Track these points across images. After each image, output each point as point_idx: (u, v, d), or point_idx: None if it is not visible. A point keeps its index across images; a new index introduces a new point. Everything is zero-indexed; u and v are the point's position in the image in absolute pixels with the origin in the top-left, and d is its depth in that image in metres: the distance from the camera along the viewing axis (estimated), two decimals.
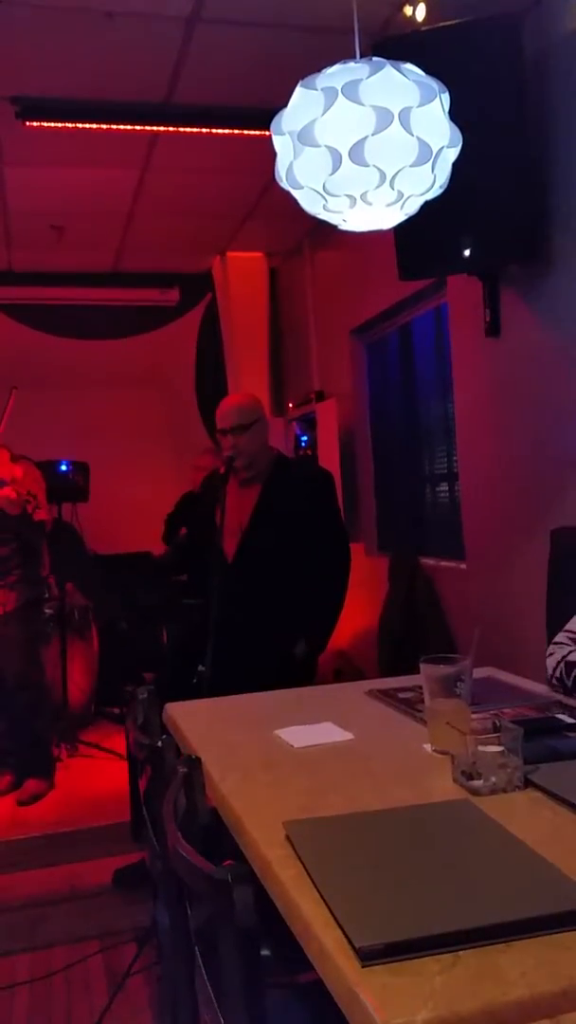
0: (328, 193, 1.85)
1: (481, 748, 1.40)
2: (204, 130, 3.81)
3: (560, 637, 1.94)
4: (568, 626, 1.94)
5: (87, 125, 3.68)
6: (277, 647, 2.95)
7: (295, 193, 1.94)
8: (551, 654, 1.91)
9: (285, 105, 1.86)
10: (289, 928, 1.09)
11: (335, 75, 1.79)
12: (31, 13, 2.95)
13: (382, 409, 4.95)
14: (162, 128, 3.80)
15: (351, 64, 1.80)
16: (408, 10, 2.85)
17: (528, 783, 1.39)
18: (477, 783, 1.38)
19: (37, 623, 4.07)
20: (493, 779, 1.37)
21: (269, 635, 2.95)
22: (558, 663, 1.87)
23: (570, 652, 1.86)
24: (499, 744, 1.41)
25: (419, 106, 1.77)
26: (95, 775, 4.09)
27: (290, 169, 1.88)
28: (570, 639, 1.91)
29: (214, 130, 3.81)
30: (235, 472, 3.06)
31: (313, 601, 3.01)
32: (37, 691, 3.94)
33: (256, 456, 3.02)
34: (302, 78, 1.83)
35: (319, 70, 1.83)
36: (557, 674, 1.87)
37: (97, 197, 4.66)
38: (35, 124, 3.62)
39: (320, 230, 5.01)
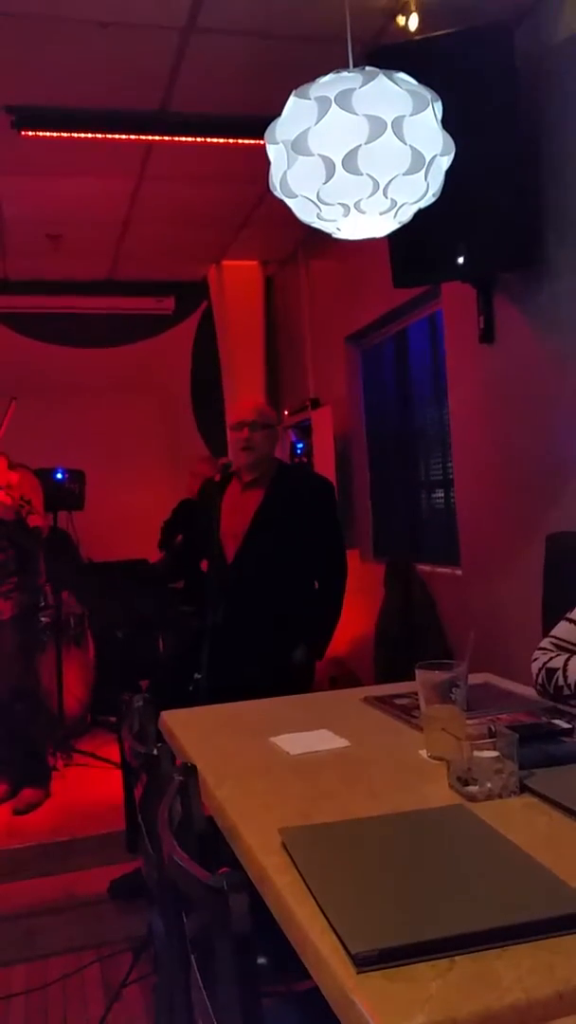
0: (322, 202, 1.87)
1: (477, 754, 1.40)
2: (199, 139, 3.83)
3: (545, 643, 1.94)
4: (553, 632, 1.94)
5: (83, 135, 3.69)
6: (275, 653, 2.95)
7: (289, 202, 1.95)
8: (535, 659, 1.91)
9: (279, 114, 1.87)
10: (285, 936, 1.09)
11: (328, 84, 1.80)
12: (25, 23, 2.96)
13: (377, 416, 4.96)
14: (157, 137, 3.81)
15: (344, 73, 1.81)
16: (401, 20, 2.87)
17: (524, 788, 1.39)
18: (473, 789, 1.38)
19: (33, 632, 4.06)
20: (489, 785, 1.37)
21: (267, 640, 2.95)
22: (540, 669, 1.87)
23: (551, 658, 1.86)
24: (494, 750, 1.41)
25: (412, 115, 1.78)
26: (91, 784, 4.07)
27: (284, 178, 1.89)
28: (554, 645, 1.91)
29: (209, 139, 3.83)
30: (238, 476, 3.08)
31: (312, 610, 3.02)
32: (33, 700, 3.92)
33: (264, 459, 3.05)
34: (296, 87, 1.84)
35: (312, 79, 1.84)
36: (540, 680, 1.87)
37: (93, 206, 4.67)
38: (31, 134, 3.63)
39: (314, 238, 5.02)
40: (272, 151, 1.91)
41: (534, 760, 1.47)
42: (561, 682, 1.80)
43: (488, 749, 1.42)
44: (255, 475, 3.05)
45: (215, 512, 3.02)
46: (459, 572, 3.84)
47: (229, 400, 5.81)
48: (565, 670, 1.80)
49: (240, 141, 3.79)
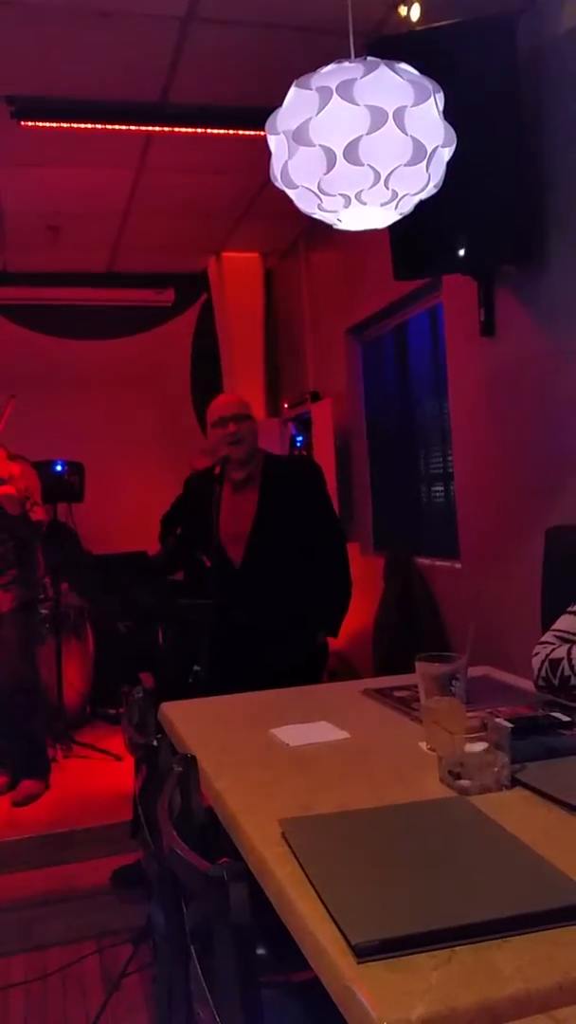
0: (323, 192, 1.86)
1: (468, 747, 1.40)
2: (199, 130, 3.81)
3: (547, 637, 1.93)
4: (555, 626, 1.94)
5: (82, 125, 3.68)
6: (293, 643, 2.95)
7: (290, 192, 1.94)
8: (536, 654, 1.89)
9: (280, 105, 1.86)
10: (285, 927, 1.09)
11: (330, 75, 1.79)
12: (26, 13, 2.95)
13: (378, 409, 4.95)
14: (157, 128, 3.80)
15: (346, 64, 1.80)
16: (403, 10, 2.86)
17: (516, 782, 1.39)
18: (465, 783, 1.37)
19: (33, 624, 4.06)
20: (481, 779, 1.37)
21: (282, 634, 2.94)
22: (543, 662, 1.86)
23: (553, 649, 1.86)
24: (486, 743, 1.41)
25: (413, 105, 1.77)
26: (90, 776, 4.08)
27: (285, 168, 1.88)
28: (556, 638, 1.90)
29: (209, 130, 3.82)
30: (228, 476, 3.03)
31: (325, 591, 3.01)
32: (33, 692, 3.93)
33: (253, 450, 3.02)
34: (297, 78, 1.83)
35: (314, 70, 1.83)
36: (543, 673, 1.85)
37: (92, 197, 4.66)
38: (30, 124, 3.61)
39: (315, 230, 5.01)
40: (273, 141, 1.90)
41: (534, 753, 1.47)
42: (568, 672, 1.79)
43: (480, 742, 1.42)
44: (247, 471, 3.01)
45: (214, 513, 2.99)
46: (459, 565, 3.84)
47: (228, 392, 5.81)
48: (571, 659, 1.79)
49: (240, 132, 3.78)
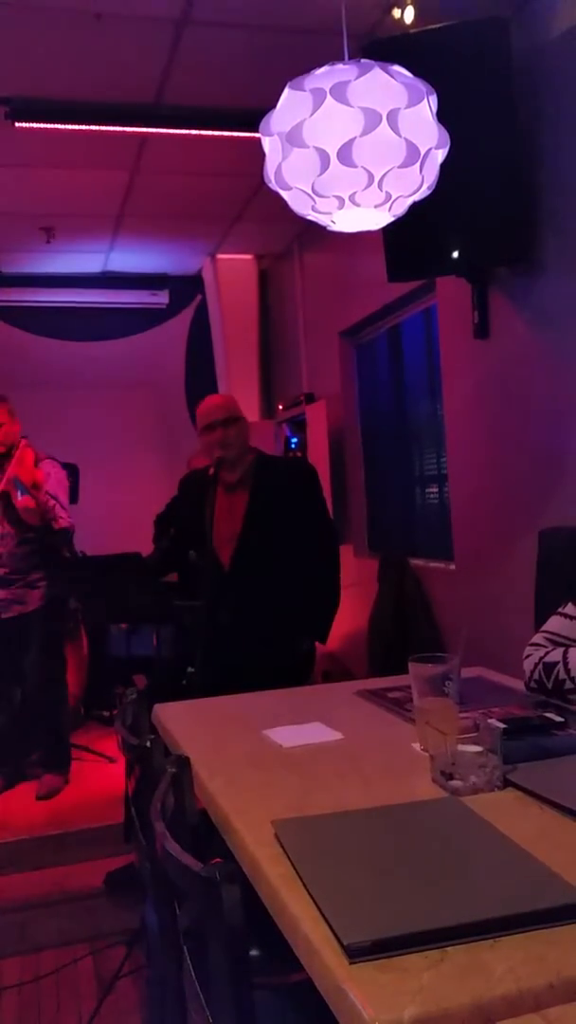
0: (317, 194, 1.86)
1: (460, 748, 1.40)
2: (194, 132, 3.81)
3: (537, 638, 1.92)
4: (545, 627, 1.93)
5: (77, 127, 3.68)
6: (277, 646, 2.94)
7: (284, 194, 1.95)
8: (528, 656, 1.88)
9: (274, 106, 1.87)
10: (278, 927, 1.09)
11: (323, 76, 1.80)
12: (20, 14, 2.95)
13: (372, 411, 4.96)
14: (152, 130, 3.80)
15: (339, 66, 1.81)
16: (397, 12, 2.86)
17: (508, 783, 1.39)
18: (457, 783, 1.37)
19: (61, 619, 4.09)
20: (472, 779, 1.37)
21: (267, 637, 2.93)
22: (535, 664, 1.85)
23: (547, 652, 1.85)
24: (478, 744, 1.41)
25: (407, 107, 1.78)
26: (85, 778, 4.08)
27: (279, 170, 1.89)
28: (547, 639, 1.90)
29: (203, 132, 3.82)
30: (221, 478, 3.02)
31: (313, 596, 3.00)
32: (60, 685, 4.02)
33: (242, 452, 3.00)
34: (291, 80, 1.84)
35: (308, 72, 1.83)
36: (536, 676, 1.85)
37: (87, 199, 4.66)
38: (24, 125, 3.61)
39: (310, 232, 5.02)
40: (267, 143, 1.91)
41: (527, 753, 1.47)
42: (563, 675, 1.79)
43: (472, 743, 1.42)
44: (238, 474, 3.00)
45: (207, 515, 2.98)
46: (453, 567, 3.84)
47: (222, 392, 5.81)
48: (566, 663, 1.78)
49: (235, 134, 3.78)
